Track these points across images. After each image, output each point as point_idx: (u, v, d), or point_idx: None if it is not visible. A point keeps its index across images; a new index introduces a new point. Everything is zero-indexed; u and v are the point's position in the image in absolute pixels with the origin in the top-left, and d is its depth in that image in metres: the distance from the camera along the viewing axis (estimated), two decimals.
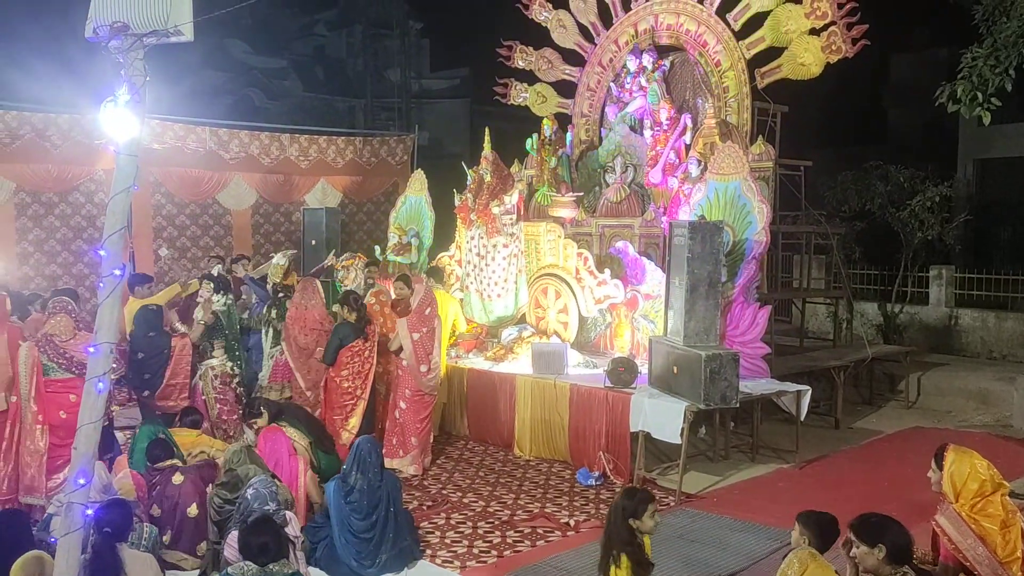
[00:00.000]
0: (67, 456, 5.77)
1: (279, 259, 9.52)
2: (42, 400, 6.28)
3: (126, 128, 3.93)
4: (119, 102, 3.91)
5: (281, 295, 9.07)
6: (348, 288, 9.11)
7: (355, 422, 7.85)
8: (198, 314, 8.04)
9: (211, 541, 5.52)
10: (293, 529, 5.10)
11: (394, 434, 8.04)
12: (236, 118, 15.39)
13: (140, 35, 3.84)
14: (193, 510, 5.73)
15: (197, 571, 5.55)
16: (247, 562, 4.24)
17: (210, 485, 5.74)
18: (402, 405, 8.05)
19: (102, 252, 3.91)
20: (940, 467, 4.49)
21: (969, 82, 8.34)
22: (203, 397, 7.95)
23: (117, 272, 3.91)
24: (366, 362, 7.91)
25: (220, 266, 10.27)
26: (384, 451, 7.47)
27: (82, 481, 3.89)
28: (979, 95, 8.34)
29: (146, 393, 7.64)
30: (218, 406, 8.02)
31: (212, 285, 8.29)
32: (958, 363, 12.22)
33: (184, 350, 7.75)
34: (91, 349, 3.96)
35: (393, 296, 8.71)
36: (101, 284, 3.96)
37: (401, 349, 7.98)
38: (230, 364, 8.15)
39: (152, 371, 7.64)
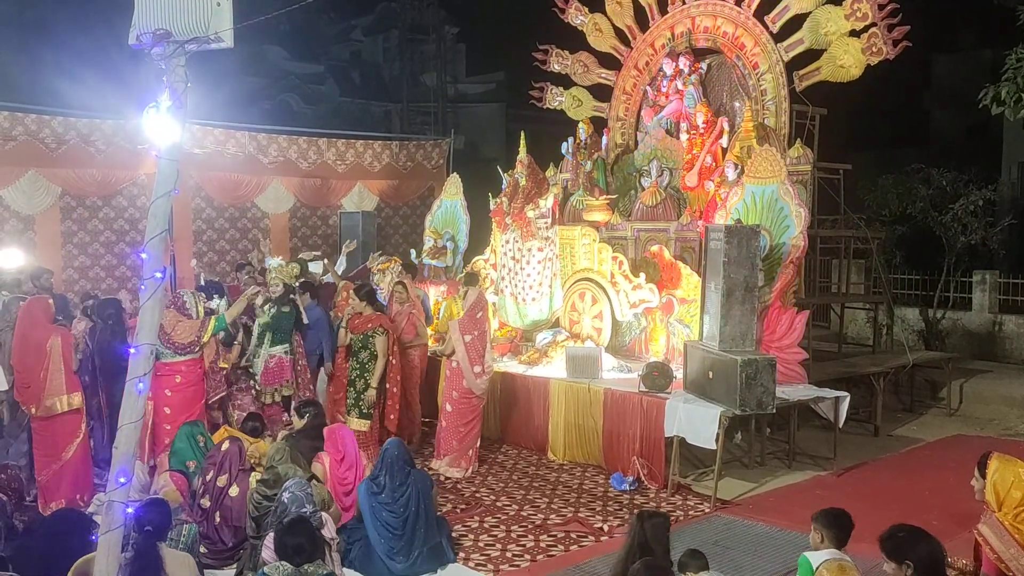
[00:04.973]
0: (167, 431, 6.71)
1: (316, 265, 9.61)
2: (154, 380, 6.46)
3: (168, 133, 4.00)
4: (161, 108, 3.99)
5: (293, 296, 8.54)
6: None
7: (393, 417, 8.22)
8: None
9: (250, 537, 5.59)
10: (329, 531, 5.15)
11: (439, 436, 8.17)
12: (274, 123, 15.59)
13: (182, 42, 3.91)
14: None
15: (234, 570, 5.63)
16: (283, 562, 4.30)
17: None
18: (448, 408, 8.14)
19: (144, 255, 3.98)
20: (983, 475, 4.42)
21: (1013, 84, 8.17)
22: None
23: (158, 275, 3.99)
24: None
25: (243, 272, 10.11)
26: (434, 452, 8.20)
27: (123, 480, 3.96)
28: (1023, 97, 8.17)
29: None
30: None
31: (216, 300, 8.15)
32: (1002, 370, 11.96)
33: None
34: (132, 350, 4.04)
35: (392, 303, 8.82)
36: (143, 286, 4.03)
37: (454, 352, 8.05)
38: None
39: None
